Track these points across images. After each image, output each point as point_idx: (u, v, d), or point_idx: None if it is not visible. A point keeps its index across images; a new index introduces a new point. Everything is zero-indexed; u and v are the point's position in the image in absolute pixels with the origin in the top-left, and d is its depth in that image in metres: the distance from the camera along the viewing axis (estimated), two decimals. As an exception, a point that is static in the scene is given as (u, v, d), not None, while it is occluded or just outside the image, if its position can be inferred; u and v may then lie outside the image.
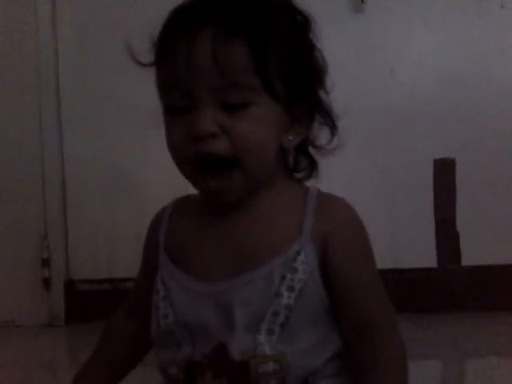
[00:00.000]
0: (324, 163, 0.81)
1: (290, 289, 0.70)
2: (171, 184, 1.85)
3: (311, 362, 0.71)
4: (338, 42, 1.72)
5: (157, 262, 0.78)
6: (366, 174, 1.91)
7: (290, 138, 0.74)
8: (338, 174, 1.61)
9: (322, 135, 0.78)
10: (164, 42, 0.72)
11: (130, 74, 1.85)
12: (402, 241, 1.90)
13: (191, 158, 0.70)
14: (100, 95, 1.94)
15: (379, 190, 1.92)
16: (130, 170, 1.94)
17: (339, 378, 0.74)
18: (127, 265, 1.93)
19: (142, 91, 1.79)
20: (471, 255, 1.93)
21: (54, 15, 1.94)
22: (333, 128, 0.77)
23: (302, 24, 0.74)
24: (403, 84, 1.92)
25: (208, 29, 0.68)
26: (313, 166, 0.80)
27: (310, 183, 0.79)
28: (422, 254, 1.93)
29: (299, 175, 0.80)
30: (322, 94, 0.76)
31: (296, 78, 0.72)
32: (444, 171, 1.94)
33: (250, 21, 0.69)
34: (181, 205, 0.82)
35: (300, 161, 0.79)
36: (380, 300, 0.75)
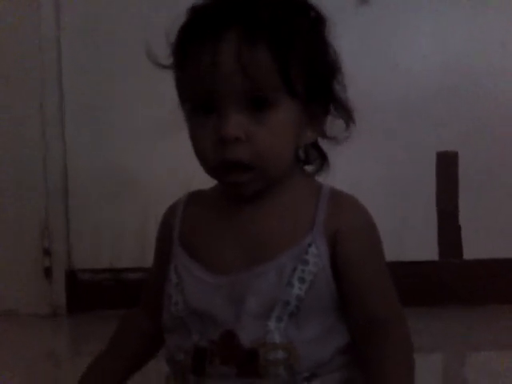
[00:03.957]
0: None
1: (301, 280, 0.72)
2: (173, 174, 1.88)
3: (318, 351, 0.73)
4: (343, 35, 1.71)
5: (170, 254, 0.80)
6: (369, 166, 1.91)
7: (309, 134, 0.76)
8: (340, 166, 1.60)
9: (332, 125, 0.78)
10: (187, 43, 0.72)
11: (134, 74, 1.88)
12: (403, 234, 1.90)
13: (215, 160, 0.72)
14: (103, 89, 1.94)
15: (381, 183, 1.92)
16: (131, 160, 1.94)
17: (346, 371, 0.75)
18: (128, 255, 1.94)
19: (145, 90, 1.82)
20: (473, 249, 1.93)
21: (58, 12, 1.93)
22: (348, 121, 0.78)
23: (318, 22, 0.75)
24: (408, 77, 1.92)
25: (232, 31, 0.69)
26: (323, 159, 0.81)
27: (321, 179, 0.81)
28: (423, 247, 1.93)
29: (310, 169, 0.81)
30: (338, 88, 0.77)
31: (315, 77, 0.73)
32: (447, 164, 1.93)
33: (272, 23, 0.70)
34: (194, 198, 0.84)
35: (310, 154, 0.81)
36: (388, 296, 0.76)
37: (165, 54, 0.75)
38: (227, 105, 0.70)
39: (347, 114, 0.78)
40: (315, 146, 0.81)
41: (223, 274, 0.75)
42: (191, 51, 0.71)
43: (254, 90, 0.70)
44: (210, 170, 0.75)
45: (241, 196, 0.76)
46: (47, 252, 1.94)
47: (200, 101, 0.72)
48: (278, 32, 0.70)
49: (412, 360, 0.72)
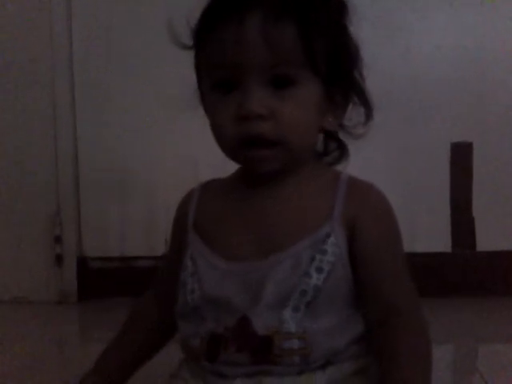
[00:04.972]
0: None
1: (319, 270, 0.71)
2: (181, 165, 1.88)
3: (334, 341, 0.72)
4: (354, 22, 1.69)
5: (185, 242, 0.79)
6: (382, 156, 1.89)
7: (330, 119, 0.76)
8: (353, 156, 1.59)
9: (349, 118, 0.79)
10: (212, 19, 0.72)
11: (144, 65, 1.87)
12: (416, 225, 1.88)
13: (237, 137, 0.71)
14: (115, 79, 1.93)
15: (394, 174, 1.90)
16: (141, 150, 1.93)
17: (361, 359, 0.75)
18: (138, 243, 1.94)
19: (156, 81, 1.82)
20: (486, 240, 1.91)
21: (69, 2, 1.91)
22: (368, 111, 0.78)
23: (341, 10, 0.76)
24: (420, 65, 1.89)
25: (258, 8, 0.69)
26: (342, 150, 0.81)
27: (339, 168, 0.81)
28: (436, 238, 1.91)
29: (328, 159, 0.82)
30: (358, 77, 0.78)
31: (337, 60, 0.73)
32: (461, 155, 1.91)
33: (298, 3, 0.70)
34: (209, 187, 0.83)
35: (328, 145, 0.81)
36: (405, 288, 0.75)
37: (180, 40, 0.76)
38: (250, 80, 0.70)
39: (367, 106, 0.78)
40: (334, 136, 0.81)
41: (238, 261, 0.74)
42: (217, 25, 0.71)
43: (277, 64, 0.69)
44: (231, 147, 0.73)
45: (260, 174, 0.75)
46: (58, 239, 1.94)
47: (223, 76, 0.72)
48: (303, 11, 0.70)
49: (428, 351, 0.72)
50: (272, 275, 0.72)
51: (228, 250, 0.76)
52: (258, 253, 0.74)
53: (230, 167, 0.81)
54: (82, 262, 1.96)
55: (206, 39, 0.73)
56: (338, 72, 0.74)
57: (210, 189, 0.83)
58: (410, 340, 0.71)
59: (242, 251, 0.75)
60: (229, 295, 0.73)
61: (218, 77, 0.72)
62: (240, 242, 0.75)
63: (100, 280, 1.94)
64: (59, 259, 1.95)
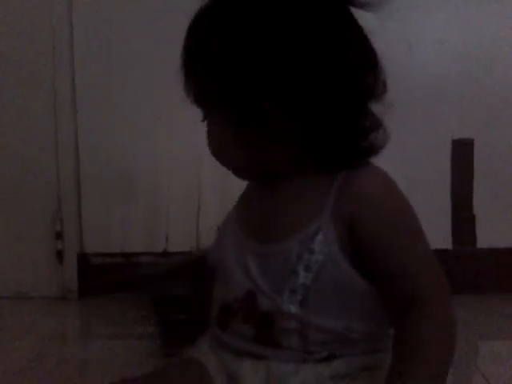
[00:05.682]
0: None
1: (307, 268, 0.70)
2: (181, 159, 1.87)
3: (336, 333, 0.72)
4: (357, 18, 1.69)
5: None
6: (382, 153, 1.88)
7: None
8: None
9: None
10: None
11: (147, 59, 1.86)
12: (417, 221, 1.88)
13: None
14: (115, 73, 1.93)
15: (395, 170, 1.88)
16: (143, 145, 1.93)
17: (369, 357, 0.74)
18: (139, 239, 1.93)
19: (159, 75, 1.81)
20: (487, 237, 1.91)
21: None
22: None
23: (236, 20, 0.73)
24: (422, 62, 1.89)
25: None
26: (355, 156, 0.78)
27: None
28: (437, 235, 1.90)
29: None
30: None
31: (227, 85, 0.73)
32: (462, 152, 1.91)
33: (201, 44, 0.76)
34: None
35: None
36: (426, 274, 0.72)
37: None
38: None
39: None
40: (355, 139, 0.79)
41: (246, 236, 0.78)
42: None
43: (199, 98, 0.78)
44: None
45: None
46: (59, 235, 1.94)
47: None
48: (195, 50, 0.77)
49: (447, 346, 0.68)
50: (262, 266, 0.73)
51: (244, 227, 0.79)
52: (257, 243, 0.76)
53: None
54: (83, 258, 1.96)
55: None
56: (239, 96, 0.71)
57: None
58: (429, 332, 0.67)
59: (247, 237, 0.78)
60: (232, 270, 0.76)
61: None
62: (249, 230, 0.78)
63: (101, 276, 1.94)
64: (60, 255, 1.94)
